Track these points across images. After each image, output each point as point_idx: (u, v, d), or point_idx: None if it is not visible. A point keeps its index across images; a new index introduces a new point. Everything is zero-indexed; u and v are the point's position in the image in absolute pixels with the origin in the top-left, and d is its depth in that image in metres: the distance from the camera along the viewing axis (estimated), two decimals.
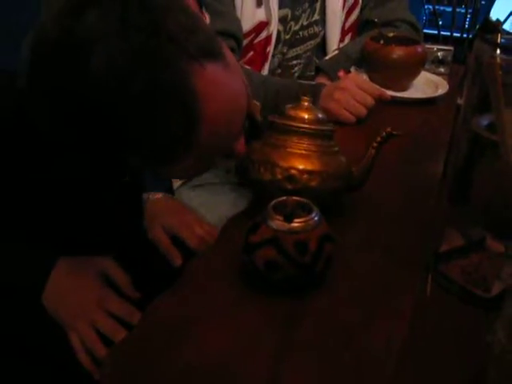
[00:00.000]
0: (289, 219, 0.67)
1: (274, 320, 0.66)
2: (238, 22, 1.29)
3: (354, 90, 1.16)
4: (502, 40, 0.66)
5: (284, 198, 0.72)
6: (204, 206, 1.19)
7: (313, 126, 0.80)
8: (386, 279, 0.73)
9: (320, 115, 0.83)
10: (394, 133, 0.82)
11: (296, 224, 0.67)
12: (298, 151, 0.79)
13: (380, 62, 1.27)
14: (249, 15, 1.30)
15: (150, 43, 0.60)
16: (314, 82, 1.34)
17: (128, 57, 0.60)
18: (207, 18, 1.16)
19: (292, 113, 0.82)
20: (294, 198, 0.72)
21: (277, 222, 0.67)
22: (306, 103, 0.82)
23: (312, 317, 0.66)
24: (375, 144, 0.83)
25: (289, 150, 0.79)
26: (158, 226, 1.01)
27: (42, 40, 0.64)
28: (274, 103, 1.11)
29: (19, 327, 0.86)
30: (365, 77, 1.29)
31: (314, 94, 1.17)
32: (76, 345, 0.81)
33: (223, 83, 0.67)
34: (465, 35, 2.71)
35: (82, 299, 0.83)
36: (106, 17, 0.61)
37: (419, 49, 1.27)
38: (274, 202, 0.70)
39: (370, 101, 1.16)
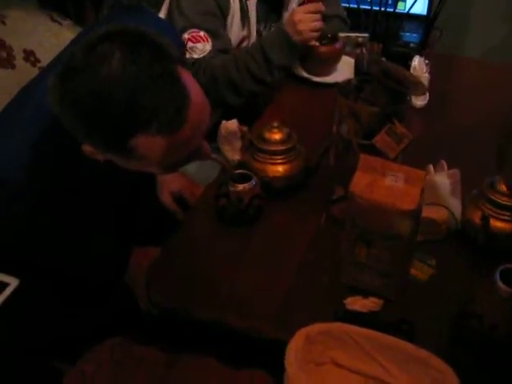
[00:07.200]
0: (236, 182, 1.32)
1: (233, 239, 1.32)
2: (229, 40, 1.90)
3: (305, 17, 1.75)
4: None
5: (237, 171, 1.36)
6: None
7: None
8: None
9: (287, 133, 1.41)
10: None
11: (239, 186, 1.31)
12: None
13: (309, 57, 1.89)
14: (236, 34, 1.91)
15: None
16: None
17: (143, 61, 0.99)
18: (210, 40, 1.80)
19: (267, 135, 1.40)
20: (241, 171, 1.36)
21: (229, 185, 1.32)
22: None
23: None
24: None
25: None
26: (166, 192, 1.66)
27: (71, 59, 1.00)
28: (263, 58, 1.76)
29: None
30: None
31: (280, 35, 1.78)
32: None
33: (193, 79, 1.08)
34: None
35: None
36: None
37: (337, 46, 1.89)
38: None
39: (317, 17, 1.77)
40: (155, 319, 1.25)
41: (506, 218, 1.23)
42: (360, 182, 1.07)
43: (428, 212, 1.23)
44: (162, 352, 1.13)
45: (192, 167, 1.75)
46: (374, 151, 1.24)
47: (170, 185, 1.67)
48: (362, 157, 1.09)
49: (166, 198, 1.66)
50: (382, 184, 1.06)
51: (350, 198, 1.07)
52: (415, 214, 1.05)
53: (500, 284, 1.00)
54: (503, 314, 1.02)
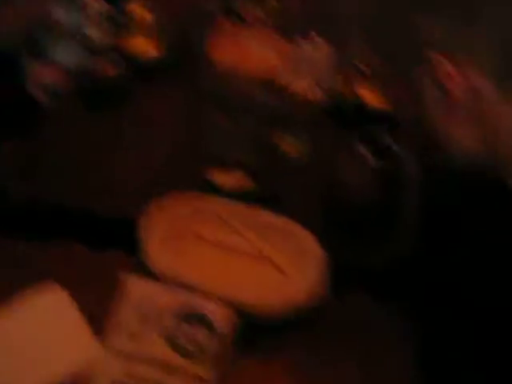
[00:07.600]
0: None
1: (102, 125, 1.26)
2: None
3: None
4: None
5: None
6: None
7: None
8: None
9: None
10: None
11: (105, 65, 1.23)
12: None
13: None
14: None
15: None
16: None
17: None
18: None
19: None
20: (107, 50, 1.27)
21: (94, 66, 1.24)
22: None
23: None
24: None
25: None
26: (35, 83, 1.54)
27: None
28: None
29: None
30: None
31: None
32: None
33: None
34: None
35: None
36: None
37: None
38: None
39: None
40: (22, 212, 1.19)
41: (376, 88, 1.22)
42: (221, 50, 1.02)
43: (296, 85, 1.20)
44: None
45: (60, 55, 1.67)
46: (240, 21, 1.19)
47: (38, 76, 1.57)
48: (224, 24, 1.04)
49: (35, 90, 1.56)
50: (244, 51, 1.01)
51: (209, 66, 1.02)
52: (277, 84, 1.01)
53: (365, 153, 1.00)
54: (369, 184, 1.02)
